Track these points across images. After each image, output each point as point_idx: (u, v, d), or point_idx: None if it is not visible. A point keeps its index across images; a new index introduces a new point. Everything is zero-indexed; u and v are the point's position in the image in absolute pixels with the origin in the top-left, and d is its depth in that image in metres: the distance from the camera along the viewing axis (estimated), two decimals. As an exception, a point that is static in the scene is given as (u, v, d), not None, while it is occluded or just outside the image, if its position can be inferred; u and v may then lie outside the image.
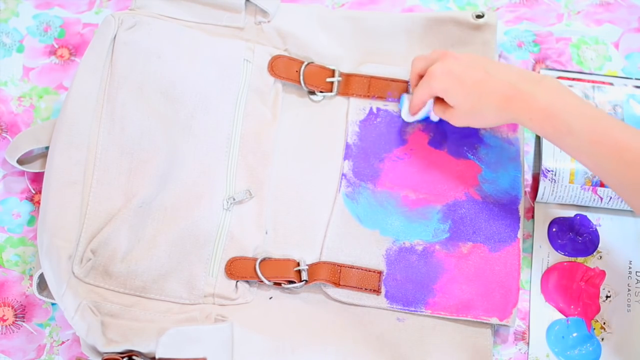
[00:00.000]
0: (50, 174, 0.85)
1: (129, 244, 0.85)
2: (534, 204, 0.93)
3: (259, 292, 0.88)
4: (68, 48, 1.00)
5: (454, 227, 0.89)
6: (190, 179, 0.88)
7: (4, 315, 0.89)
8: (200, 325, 0.82)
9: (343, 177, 0.91)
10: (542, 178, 0.90)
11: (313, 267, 0.87)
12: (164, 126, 0.89)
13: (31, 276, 0.91)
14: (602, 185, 0.89)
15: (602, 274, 0.90)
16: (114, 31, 0.90)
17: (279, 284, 0.87)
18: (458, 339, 0.86)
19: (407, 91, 0.94)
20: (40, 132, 0.91)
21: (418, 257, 0.88)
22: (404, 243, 0.89)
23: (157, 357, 0.79)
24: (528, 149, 0.95)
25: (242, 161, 0.91)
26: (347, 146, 0.93)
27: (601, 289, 0.89)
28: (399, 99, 0.94)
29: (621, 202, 0.90)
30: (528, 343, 0.88)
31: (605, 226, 0.92)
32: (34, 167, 0.92)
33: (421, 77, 0.88)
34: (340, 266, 0.87)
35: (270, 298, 0.88)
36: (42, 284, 0.86)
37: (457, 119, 0.86)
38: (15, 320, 0.89)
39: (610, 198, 0.89)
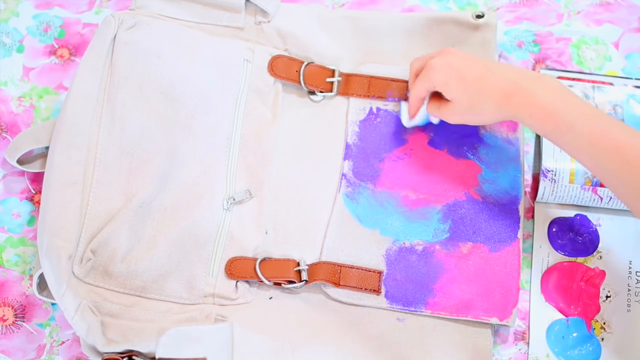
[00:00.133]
0: (50, 174, 0.85)
1: (129, 244, 0.85)
2: (534, 204, 0.93)
3: (259, 292, 0.88)
4: (68, 48, 1.00)
5: (454, 227, 0.89)
6: (190, 179, 0.88)
7: (4, 315, 0.89)
8: (200, 325, 0.82)
9: (343, 177, 0.91)
10: (542, 178, 0.90)
11: (313, 267, 0.87)
12: (164, 126, 0.89)
13: (31, 276, 0.91)
14: (602, 185, 0.89)
15: (602, 274, 0.90)
16: (114, 31, 0.90)
17: (279, 284, 0.87)
18: (458, 339, 0.86)
19: (407, 91, 0.94)
20: (40, 132, 0.91)
21: (418, 257, 0.88)
22: (404, 243, 0.89)
23: (157, 357, 0.79)
24: (528, 149, 0.95)
25: (242, 161, 0.91)
26: (347, 146, 0.93)
27: (601, 289, 0.89)
28: (399, 99, 0.94)
29: (621, 202, 0.90)
30: (528, 343, 0.88)
31: (605, 226, 0.92)
32: (34, 167, 0.92)
33: (417, 75, 0.88)
34: (340, 266, 0.87)
35: (270, 298, 0.88)
36: (42, 284, 0.86)
37: (454, 115, 0.85)
38: (15, 320, 0.89)
39: (610, 198, 0.89)
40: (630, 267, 0.90)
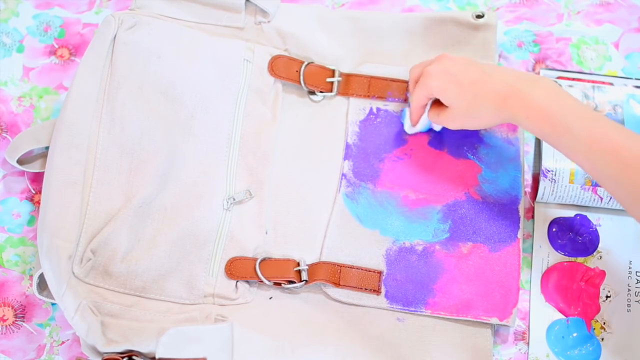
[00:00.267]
0: (50, 174, 0.85)
1: (129, 244, 0.85)
2: (534, 204, 0.93)
3: (259, 292, 0.88)
4: (68, 48, 1.00)
5: (454, 227, 0.89)
6: (190, 179, 0.88)
7: (4, 315, 0.89)
8: (200, 325, 0.82)
9: (343, 177, 0.91)
10: (542, 178, 0.90)
11: (313, 267, 0.87)
12: (164, 126, 0.89)
13: (31, 276, 0.91)
14: (602, 185, 0.89)
15: (602, 274, 0.90)
16: (114, 31, 0.90)
17: (279, 284, 0.87)
18: (458, 339, 0.86)
19: (407, 91, 0.94)
20: (40, 132, 0.91)
21: (418, 257, 0.88)
22: (404, 243, 0.89)
23: (157, 357, 0.79)
24: (528, 149, 0.95)
25: (242, 161, 0.91)
26: (347, 146, 0.93)
27: (601, 289, 0.89)
28: (399, 99, 0.94)
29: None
30: (528, 343, 0.88)
31: (605, 226, 0.92)
32: (34, 167, 0.92)
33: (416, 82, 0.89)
34: (340, 266, 0.87)
35: (270, 298, 0.88)
36: (42, 284, 0.86)
37: (453, 120, 0.86)
38: (15, 320, 0.89)
39: (610, 198, 0.89)
40: (630, 267, 0.90)
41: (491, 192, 0.90)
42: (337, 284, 0.87)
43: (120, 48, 0.89)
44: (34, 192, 0.94)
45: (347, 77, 0.95)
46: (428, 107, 0.88)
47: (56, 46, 1.00)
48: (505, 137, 0.92)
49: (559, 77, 0.95)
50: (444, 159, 0.92)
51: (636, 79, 0.95)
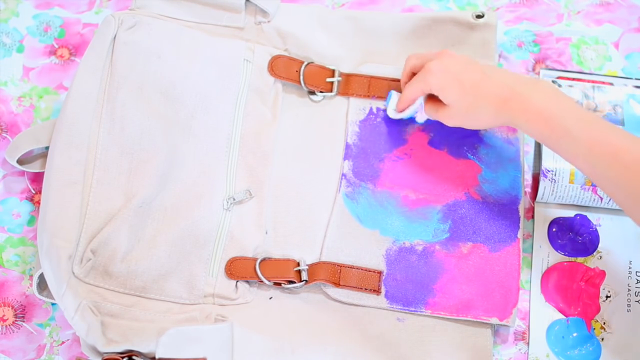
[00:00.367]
0: (50, 174, 0.85)
1: (129, 244, 0.85)
2: (534, 204, 0.93)
3: (259, 292, 0.88)
4: (68, 48, 1.00)
5: (454, 227, 0.89)
6: (190, 179, 0.88)
7: (4, 315, 0.89)
8: (200, 325, 0.82)
9: (343, 177, 0.91)
10: (542, 178, 0.90)
11: (313, 267, 0.87)
12: (164, 126, 0.89)
13: (31, 276, 0.91)
14: (602, 185, 0.89)
15: (602, 274, 0.90)
16: (114, 31, 0.90)
17: (279, 284, 0.87)
18: (458, 339, 0.86)
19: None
20: (40, 132, 0.91)
21: (418, 257, 0.88)
22: (404, 243, 0.89)
23: (157, 357, 0.79)
24: (528, 149, 0.95)
25: (242, 161, 0.91)
26: (347, 146, 0.93)
27: (601, 289, 0.89)
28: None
29: (621, 202, 0.90)
30: (528, 343, 0.88)
31: (605, 226, 0.92)
32: (34, 167, 0.92)
33: (413, 74, 0.88)
34: (340, 266, 0.87)
35: (270, 298, 0.88)
36: (42, 284, 0.86)
37: (451, 119, 0.85)
38: (15, 320, 0.89)
39: (610, 198, 0.89)
40: (630, 267, 0.90)
41: (491, 192, 0.90)
42: (337, 284, 0.87)
43: (120, 48, 0.89)
44: (34, 192, 0.94)
45: (347, 77, 0.95)
46: (421, 100, 0.88)
47: (56, 46, 1.00)
48: (505, 137, 0.92)
49: (559, 77, 0.95)
50: (444, 159, 0.92)
51: (636, 79, 0.95)
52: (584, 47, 1.00)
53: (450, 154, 0.92)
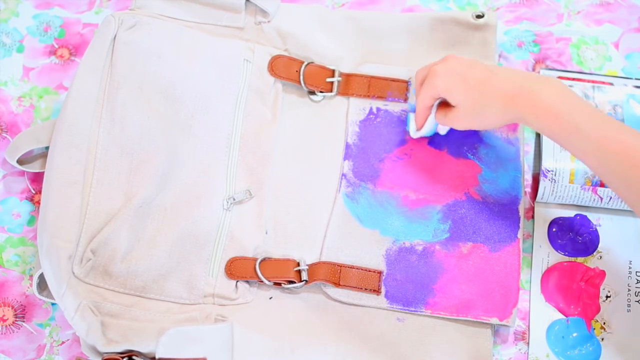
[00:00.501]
0: (50, 174, 0.85)
1: (129, 244, 0.85)
2: (534, 204, 0.93)
3: (259, 292, 0.88)
4: (68, 48, 1.00)
5: (454, 227, 0.89)
6: (190, 179, 0.88)
7: (4, 315, 0.89)
8: (200, 325, 0.82)
9: (343, 177, 0.91)
10: (542, 178, 0.90)
11: (313, 267, 0.87)
12: (164, 126, 0.89)
13: (31, 276, 0.91)
14: (602, 185, 0.89)
15: (602, 274, 0.90)
16: (114, 31, 0.90)
17: (279, 284, 0.87)
18: (458, 339, 0.86)
19: (407, 90, 0.94)
20: (40, 132, 0.91)
21: (418, 257, 0.88)
22: (404, 243, 0.89)
23: (157, 357, 0.79)
24: (528, 149, 0.95)
25: (242, 161, 0.91)
26: (347, 146, 0.93)
27: (601, 289, 0.89)
28: (399, 99, 0.94)
29: (621, 202, 0.90)
30: (528, 343, 0.88)
31: (605, 226, 0.92)
32: (34, 167, 0.92)
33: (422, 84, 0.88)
34: (340, 266, 0.87)
35: (270, 298, 0.88)
36: (42, 284, 0.86)
37: (459, 120, 0.85)
38: (15, 320, 0.89)
39: (610, 198, 0.89)
40: (630, 267, 0.90)
41: (491, 192, 0.90)
42: (337, 284, 0.87)
43: (120, 48, 0.89)
44: (34, 192, 0.94)
45: (347, 77, 0.95)
46: (434, 109, 0.87)
47: (56, 46, 1.00)
48: (505, 137, 0.92)
49: (559, 77, 0.95)
50: (444, 159, 0.92)
51: (636, 79, 0.95)
52: (584, 47, 1.00)
53: (450, 154, 0.92)
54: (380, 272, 0.88)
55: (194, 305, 0.85)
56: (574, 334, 0.88)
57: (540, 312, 0.89)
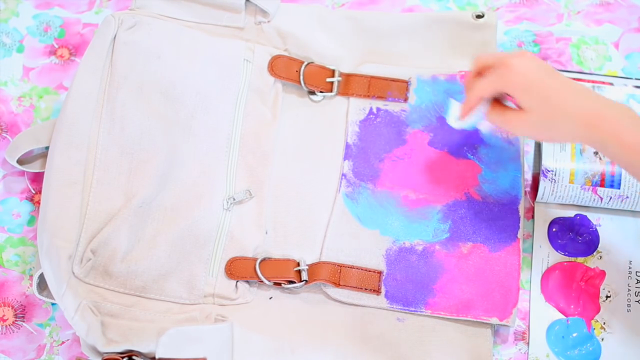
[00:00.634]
0: (50, 174, 0.85)
1: (129, 244, 0.85)
2: (534, 204, 0.93)
3: (259, 292, 0.88)
4: (68, 48, 1.00)
5: (454, 227, 0.89)
6: (190, 179, 0.88)
7: (4, 315, 0.89)
8: (200, 325, 0.82)
9: (343, 177, 0.91)
10: (542, 178, 0.90)
11: (313, 267, 0.87)
12: (164, 126, 0.89)
13: (31, 276, 0.91)
14: (602, 185, 0.89)
15: (602, 274, 0.90)
16: (114, 31, 0.90)
17: (279, 284, 0.87)
18: (458, 339, 0.86)
19: (407, 90, 0.94)
20: (40, 132, 0.91)
21: (418, 257, 0.88)
22: (404, 243, 0.89)
23: (157, 357, 0.79)
24: (528, 149, 0.95)
25: (242, 161, 0.91)
26: (347, 146, 0.93)
27: (601, 289, 0.89)
28: (399, 99, 0.94)
29: (621, 202, 0.90)
30: (528, 343, 0.88)
31: (605, 226, 0.92)
32: (34, 167, 0.92)
33: (480, 73, 0.80)
34: (340, 266, 0.87)
35: (270, 298, 0.88)
36: (42, 284, 0.86)
37: (525, 127, 0.78)
38: (15, 320, 0.89)
39: (610, 198, 0.89)
40: (630, 267, 0.90)
41: (491, 192, 0.90)
42: (337, 284, 0.87)
43: (120, 48, 0.89)
44: (34, 192, 0.94)
45: (347, 77, 0.95)
46: (484, 103, 0.81)
47: (56, 46, 1.00)
48: (505, 137, 0.92)
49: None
50: (444, 159, 0.92)
51: (636, 79, 0.95)
52: (584, 47, 1.00)
53: (450, 154, 0.92)
54: (380, 272, 0.87)
55: (194, 305, 0.85)
56: (574, 334, 0.88)
57: (540, 312, 0.89)
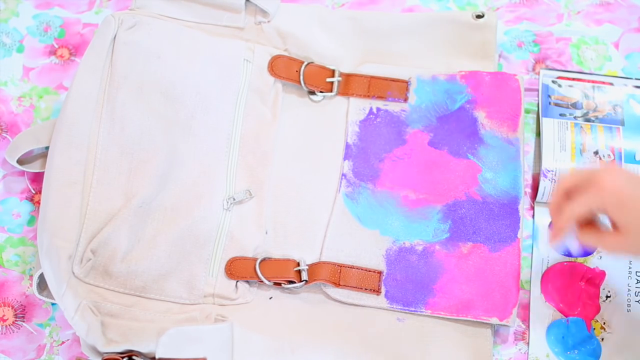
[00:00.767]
0: (50, 174, 0.85)
1: (129, 244, 0.85)
2: (534, 204, 0.93)
3: (259, 292, 0.88)
4: (68, 48, 1.00)
5: (454, 227, 0.89)
6: (190, 179, 0.88)
7: (4, 315, 0.89)
8: (200, 325, 0.82)
9: (343, 177, 0.91)
10: (542, 178, 0.90)
11: (313, 267, 0.87)
12: (164, 126, 0.89)
13: (31, 276, 0.91)
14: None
15: (602, 274, 0.90)
16: (114, 31, 0.90)
17: (279, 284, 0.87)
18: (458, 339, 0.86)
19: (407, 90, 0.94)
20: (40, 132, 0.91)
21: (418, 257, 0.88)
22: (404, 243, 0.89)
23: (157, 357, 0.79)
24: (528, 149, 0.95)
25: (242, 161, 0.91)
26: (347, 146, 0.93)
27: (601, 289, 0.89)
28: (399, 99, 0.94)
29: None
30: (528, 343, 0.88)
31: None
32: (34, 167, 0.92)
33: (567, 194, 0.77)
34: (340, 266, 0.87)
35: (270, 298, 0.88)
36: (42, 284, 0.86)
37: (622, 247, 0.74)
38: (15, 320, 0.89)
39: (610, 198, 0.89)
40: (630, 267, 0.90)
41: (491, 192, 0.90)
42: (337, 284, 0.87)
43: (120, 48, 0.89)
44: (34, 192, 0.94)
45: (347, 77, 0.95)
46: (573, 225, 0.78)
47: (56, 46, 1.00)
48: (505, 137, 0.92)
49: (559, 77, 0.95)
50: (444, 159, 0.92)
51: (636, 79, 0.95)
52: (584, 47, 1.00)
53: (450, 154, 0.92)
54: (380, 272, 0.87)
55: (194, 305, 0.85)
56: (574, 334, 0.88)
57: (540, 312, 0.89)
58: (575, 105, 0.94)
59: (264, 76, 0.93)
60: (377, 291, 0.87)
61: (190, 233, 0.86)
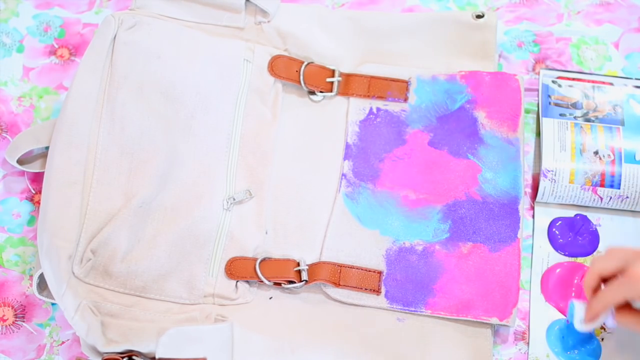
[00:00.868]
0: (50, 174, 0.85)
1: (129, 244, 0.85)
2: (534, 204, 0.93)
3: (259, 292, 0.88)
4: (68, 48, 1.00)
5: (454, 227, 0.89)
6: (190, 179, 0.88)
7: (4, 315, 0.89)
8: (200, 325, 0.82)
9: (343, 177, 0.91)
10: (542, 178, 0.90)
11: (313, 267, 0.87)
12: (164, 126, 0.89)
13: (31, 276, 0.91)
14: (602, 185, 0.89)
15: (602, 274, 0.90)
16: (114, 31, 0.90)
17: (279, 284, 0.87)
18: (458, 339, 0.86)
19: (407, 90, 0.94)
20: (40, 132, 0.91)
21: (418, 257, 0.88)
22: (404, 243, 0.89)
23: (157, 357, 0.79)
24: (528, 149, 0.95)
25: (242, 161, 0.91)
26: (347, 146, 0.93)
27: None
28: (399, 99, 0.94)
29: (621, 202, 0.90)
30: (528, 343, 0.88)
31: (605, 226, 0.92)
32: (34, 167, 0.92)
33: (603, 279, 0.79)
34: (340, 266, 0.87)
35: (270, 298, 0.88)
36: (42, 284, 0.86)
37: None
38: (15, 320, 0.89)
39: (610, 198, 0.89)
40: (630, 267, 0.90)
41: (491, 192, 0.90)
42: (337, 284, 0.87)
43: (120, 48, 0.89)
44: (34, 192, 0.94)
45: (347, 77, 0.95)
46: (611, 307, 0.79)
47: (56, 46, 1.00)
48: (505, 137, 0.92)
49: (559, 77, 0.95)
50: (444, 159, 0.92)
51: (636, 79, 0.95)
52: (584, 47, 1.00)
53: (450, 154, 0.92)
54: (380, 272, 0.87)
55: (194, 305, 0.85)
56: (574, 334, 0.88)
57: (540, 312, 0.89)
58: (575, 105, 0.94)
59: (264, 76, 0.93)
60: (377, 291, 0.87)
61: (190, 233, 0.86)
